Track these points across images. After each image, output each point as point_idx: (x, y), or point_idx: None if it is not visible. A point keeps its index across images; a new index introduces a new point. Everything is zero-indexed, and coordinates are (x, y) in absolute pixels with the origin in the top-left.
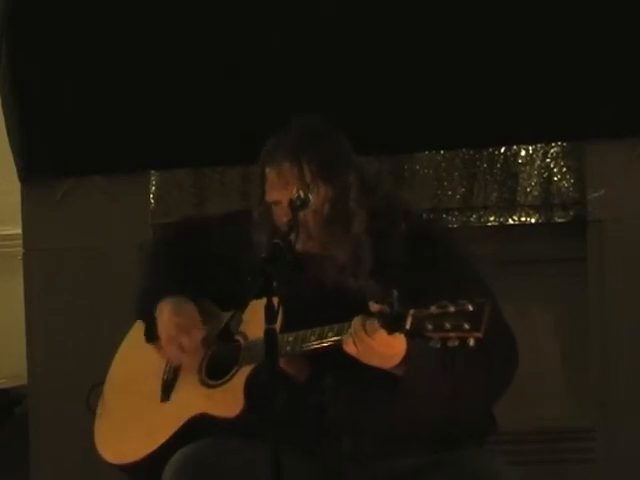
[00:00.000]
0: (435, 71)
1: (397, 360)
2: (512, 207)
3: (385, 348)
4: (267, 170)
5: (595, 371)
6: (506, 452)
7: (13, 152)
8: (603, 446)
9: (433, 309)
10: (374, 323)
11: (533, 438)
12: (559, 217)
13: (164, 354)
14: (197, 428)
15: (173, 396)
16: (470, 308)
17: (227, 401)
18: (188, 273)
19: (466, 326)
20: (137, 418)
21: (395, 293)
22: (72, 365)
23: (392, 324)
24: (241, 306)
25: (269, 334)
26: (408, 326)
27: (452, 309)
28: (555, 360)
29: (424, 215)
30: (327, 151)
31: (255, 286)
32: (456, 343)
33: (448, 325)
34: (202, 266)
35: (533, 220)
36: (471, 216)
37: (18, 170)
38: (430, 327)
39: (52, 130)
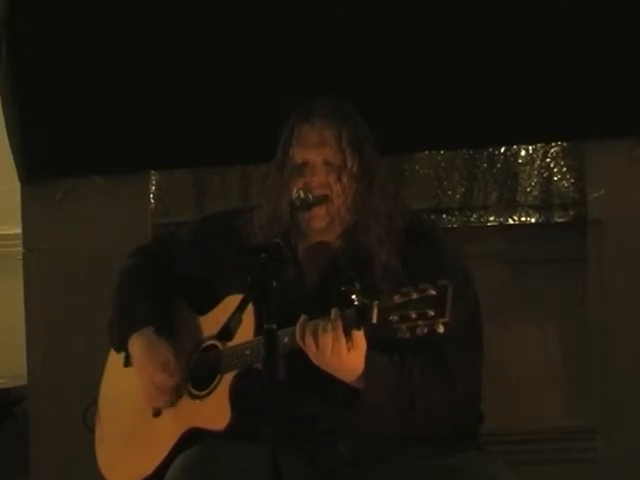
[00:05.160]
0: (435, 71)
1: (355, 375)
2: (512, 207)
3: (347, 358)
4: (301, 130)
5: (595, 371)
6: (506, 452)
7: (13, 152)
8: (603, 446)
9: (397, 298)
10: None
11: (533, 438)
12: (559, 217)
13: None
14: (191, 441)
15: (164, 410)
16: (433, 293)
17: (215, 413)
18: (161, 285)
19: (431, 313)
20: (134, 437)
21: (357, 286)
22: (72, 365)
23: (359, 318)
24: (240, 306)
25: (269, 334)
26: (375, 320)
27: (415, 296)
28: (555, 360)
29: (424, 216)
30: (362, 126)
31: (255, 286)
32: (425, 331)
33: (414, 314)
34: (174, 274)
35: (533, 220)
36: (471, 216)
37: (18, 170)
38: (396, 318)
39: (52, 130)
